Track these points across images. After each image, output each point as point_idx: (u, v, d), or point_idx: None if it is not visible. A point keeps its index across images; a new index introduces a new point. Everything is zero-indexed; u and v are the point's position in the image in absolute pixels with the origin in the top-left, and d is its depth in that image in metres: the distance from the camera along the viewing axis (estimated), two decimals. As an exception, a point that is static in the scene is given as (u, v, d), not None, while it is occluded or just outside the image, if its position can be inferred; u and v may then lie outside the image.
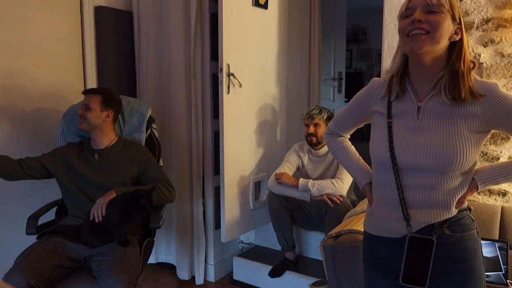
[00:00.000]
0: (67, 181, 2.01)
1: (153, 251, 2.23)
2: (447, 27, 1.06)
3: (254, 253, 2.83)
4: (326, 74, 4.44)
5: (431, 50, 1.06)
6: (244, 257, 2.77)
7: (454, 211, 1.11)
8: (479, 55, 1.95)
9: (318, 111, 2.51)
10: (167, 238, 2.87)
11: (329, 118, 2.54)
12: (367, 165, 1.33)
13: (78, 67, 2.53)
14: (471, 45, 1.96)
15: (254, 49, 2.56)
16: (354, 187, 2.59)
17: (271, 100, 2.77)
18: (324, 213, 2.38)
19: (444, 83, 1.08)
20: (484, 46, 1.94)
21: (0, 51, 2.14)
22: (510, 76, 1.91)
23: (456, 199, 1.11)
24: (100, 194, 1.91)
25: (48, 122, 2.36)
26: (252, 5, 2.50)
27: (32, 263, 1.71)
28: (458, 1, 1.97)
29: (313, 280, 2.36)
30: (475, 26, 1.95)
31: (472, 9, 1.95)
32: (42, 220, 2.03)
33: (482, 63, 1.95)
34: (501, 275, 1.70)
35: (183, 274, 2.77)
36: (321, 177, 2.54)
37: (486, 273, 1.16)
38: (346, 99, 4.83)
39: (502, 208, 1.87)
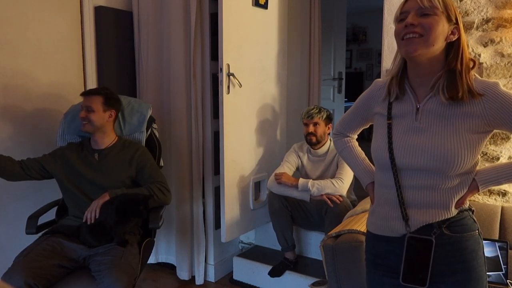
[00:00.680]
0: (67, 181, 2.01)
1: (153, 251, 2.23)
2: (442, 29, 1.05)
3: (254, 253, 2.83)
4: (326, 74, 4.45)
5: (426, 52, 1.06)
6: (244, 257, 2.77)
7: (453, 212, 1.11)
8: (479, 55, 1.95)
9: (317, 111, 2.51)
10: (167, 238, 2.87)
11: (328, 117, 2.54)
12: (371, 165, 1.34)
13: (78, 67, 2.53)
14: (471, 45, 1.96)
15: (254, 49, 2.56)
16: (354, 187, 2.59)
17: (271, 100, 2.77)
18: (324, 213, 2.38)
19: (442, 83, 1.08)
20: (484, 46, 1.94)
21: (0, 51, 2.14)
22: (510, 76, 1.91)
23: (456, 200, 1.11)
24: (99, 193, 1.91)
25: (48, 122, 2.36)
26: (252, 5, 2.50)
27: (31, 263, 1.71)
28: (458, 1, 1.97)
29: (313, 280, 2.36)
30: (475, 26, 1.95)
31: (472, 9, 1.95)
32: (42, 220, 2.03)
33: (482, 63, 1.95)
34: (501, 275, 1.70)
35: (183, 274, 2.77)
36: (320, 177, 2.54)
37: (486, 273, 1.16)
38: (346, 99, 4.83)
39: (502, 208, 1.87)
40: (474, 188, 1.12)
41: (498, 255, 1.72)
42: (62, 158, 2.04)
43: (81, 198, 2.00)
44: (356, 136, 1.45)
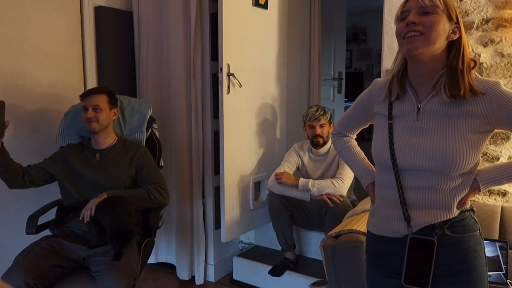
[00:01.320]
0: (67, 182, 2.01)
1: (153, 251, 2.23)
2: (443, 27, 1.05)
3: (254, 253, 2.83)
4: (326, 74, 4.44)
5: (427, 51, 1.06)
6: (244, 257, 2.77)
7: (455, 212, 1.11)
8: (479, 55, 1.95)
9: (322, 112, 2.51)
10: (167, 238, 2.87)
11: (330, 117, 2.55)
12: (371, 165, 1.34)
13: (78, 67, 2.53)
14: (471, 45, 1.96)
15: (254, 49, 2.56)
16: (354, 187, 2.59)
17: (271, 100, 2.77)
18: (324, 213, 2.38)
19: (443, 81, 1.08)
20: (484, 46, 1.94)
21: (0, 51, 2.14)
22: (510, 76, 1.91)
23: (457, 200, 1.11)
24: (99, 194, 1.91)
25: (48, 122, 2.36)
26: (252, 5, 2.50)
27: (30, 263, 1.71)
28: (458, 1, 1.97)
29: (313, 280, 2.36)
30: (475, 26, 1.95)
31: (472, 9, 1.95)
32: (42, 220, 2.03)
33: (482, 63, 1.95)
34: (502, 275, 1.70)
35: (183, 274, 2.77)
36: (321, 176, 2.54)
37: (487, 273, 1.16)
38: (346, 99, 4.83)
39: (502, 208, 1.87)
40: (475, 188, 1.12)
41: (498, 255, 1.72)
42: (63, 159, 2.04)
43: (80, 200, 1.99)
44: (355, 136, 1.45)
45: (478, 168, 1.13)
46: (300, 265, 2.60)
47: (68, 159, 2.03)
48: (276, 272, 2.55)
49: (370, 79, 7.44)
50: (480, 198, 2.02)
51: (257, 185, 2.76)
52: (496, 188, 1.98)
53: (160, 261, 2.92)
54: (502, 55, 1.91)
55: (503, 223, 1.82)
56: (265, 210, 2.70)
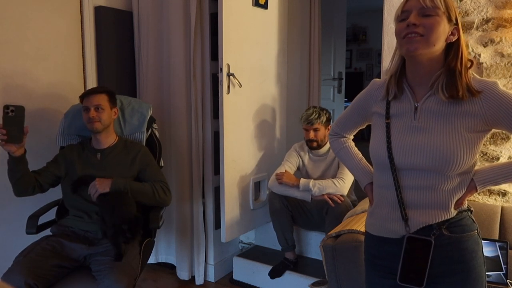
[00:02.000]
0: (68, 181, 2.01)
1: (153, 251, 2.23)
2: (443, 29, 1.06)
3: (254, 253, 2.83)
4: (326, 74, 4.44)
5: (427, 52, 1.06)
6: (244, 257, 2.77)
7: (453, 212, 1.11)
8: (479, 55, 1.95)
9: (317, 116, 2.48)
10: (167, 238, 2.87)
11: (328, 120, 2.53)
12: (369, 165, 1.34)
13: (78, 67, 2.53)
14: (471, 45, 1.96)
15: (254, 49, 2.56)
16: (355, 187, 2.59)
17: (271, 100, 2.77)
18: (325, 213, 2.38)
19: (441, 81, 1.08)
20: (484, 46, 1.94)
21: (0, 51, 2.14)
22: (510, 76, 1.91)
23: (455, 200, 1.11)
24: (99, 199, 1.91)
25: (48, 122, 2.36)
26: (252, 5, 2.50)
27: (30, 263, 1.71)
28: (458, 1, 1.97)
29: (313, 280, 2.36)
30: (475, 26, 1.95)
31: (472, 9, 1.95)
32: (42, 220, 2.03)
33: (482, 63, 1.95)
34: (502, 275, 1.70)
35: (183, 274, 2.77)
36: (321, 176, 2.54)
37: (486, 273, 1.16)
38: (346, 99, 4.83)
39: (502, 208, 1.87)
40: (472, 188, 1.12)
41: (498, 255, 1.72)
42: (64, 160, 2.04)
43: (79, 199, 1.99)
44: (352, 137, 1.45)
45: (476, 168, 1.13)
46: (300, 265, 2.60)
47: (69, 159, 2.04)
48: (276, 272, 2.55)
49: (370, 79, 7.38)
50: (480, 198, 2.02)
51: (257, 185, 2.76)
52: (496, 188, 1.98)
53: (160, 261, 2.92)
54: (502, 55, 1.91)
55: (503, 223, 1.82)
56: (265, 210, 2.70)
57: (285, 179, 2.46)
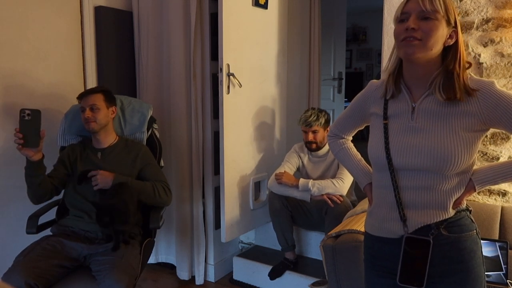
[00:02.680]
0: (70, 180, 2.02)
1: (153, 251, 2.23)
2: (441, 34, 1.06)
3: (254, 253, 2.83)
4: (326, 74, 4.45)
5: (424, 56, 1.06)
6: (244, 257, 2.77)
7: (451, 212, 1.11)
8: (479, 55, 1.95)
9: (315, 118, 2.47)
10: (167, 238, 2.87)
11: (327, 121, 2.52)
12: (368, 166, 1.34)
13: (78, 67, 2.53)
14: (471, 45, 1.96)
15: (254, 49, 2.56)
16: (355, 187, 2.59)
17: (271, 100, 2.77)
18: (325, 213, 2.38)
19: (438, 82, 1.08)
20: (484, 46, 1.94)
21: (0, 51, 2.14)
22: (510, 76, 1.91)
23: (453, 200, 1.11)
24: (100, 193, 1.92)
25: (48, 122, 2.35)
26: (252, 5, 2.50)
27: (31, 263, 1.71)
28: (458, 1, 1.97)
29: (313, 280, 2.36)
30: (475, 26, 1.95)
31: (472, 9, 1.95)
32: (42, 220, 2.03)
33: (482, 63, 1.95)
34: (502, 275, 1.70)
35: (183, 274, 2.77)
36: (321, 177, 2.54)
37: (486, 273, 1.16)
38: (346, 99, 4.83)
39: (502, 208, 1.87)
40: (471, 188, 1.12)
41: (498, 255, 1.72)
42: (68, 159, 2.05)
43: (80, 199, 2.00)
44: (351, 138, 1.45)
45: (475, 167, 1.13)
46: (300, 265, 2.60)
47: (73, 158, 2.05)
48: (276, 272, 2.55)
49: (370, 79, 7.36)
50: (480, 198, 2.02)
51: (257, 185, 2.76)
52: (496, 188, 1.98)
53: (160, 261, 2.92)
54: (502, 55, 1.91)
55: (503, 223, 1.82)
56: (265, 210, 2.71)
57: (284, 179, 2.46)
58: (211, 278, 2.80)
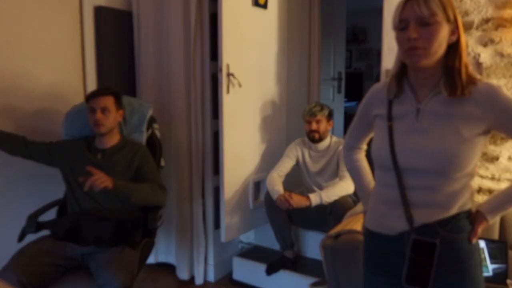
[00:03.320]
0: (71, 175, 2.01)
1: (152, 251, 2.22)
2: (443, 35, 1.05)
3: (254, 253, 2.83)
4: (326, 74, 4.45)
5: (430, 61, 1.07)
6: (244, 257, 2.77)
7: (453, 212, 1.11)
8: (479, 55, 1.95)
9: (319, 108, 2.51)
10: (166, 238, 2.87)
11: (330, 114, 2.54)
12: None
13: (78, 67, 2.53)
14: (471, 45, 1.96)
15: (254, 49, 2.56)
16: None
17: (270, 100, 2.77)
18: (329, 213, 2.37)
19: (442, 80, 1.09)
20: (484, 46, 1.94)
21: (0, 51, 2.14)
22: (510, 76, 1.91)
23: (457, 201, 1.11)
24: (100, 192, 1.91)
25: (48, 122, 2.36)
26: (252, 5, 2.50)
27: (25, 261, 1.71)
28: (458, 1, 1.97)
29: (313, 280, 2.36)
30: (474, 26, 1.95)
31: (472, 9, 1.95)
32: (42, 220, 2.03)
33: (482, 63, 1.95)
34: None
35: (183, 274, 2.76)
36: (320, 171, 2.54)
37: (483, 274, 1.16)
38: (346, 99, 4.83)
39: (502, 208, 1.87)
40: (481, 220, 1.13)
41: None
42: (70, 151, 2.05)
43: (82, 195, 1.99)
44: (365, 147, 1.44)
45: (476, 201, 1.14)
46: (300, 265, 2.60)
47: (73, 153, 2.04)
48: (272, 267, 2.54)
49: (370, 79, 7.42)
50: (480, 199, 2.02)
51: (257, 185, 2.76)
52: (496, 187, 1.98)
53: (159, 261, 2.92)
54: (502, 55, 1.91)
55: (503, 223, 1.82)
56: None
57: (294, 204, 2.36)
58: (211, 278, 2.80)
